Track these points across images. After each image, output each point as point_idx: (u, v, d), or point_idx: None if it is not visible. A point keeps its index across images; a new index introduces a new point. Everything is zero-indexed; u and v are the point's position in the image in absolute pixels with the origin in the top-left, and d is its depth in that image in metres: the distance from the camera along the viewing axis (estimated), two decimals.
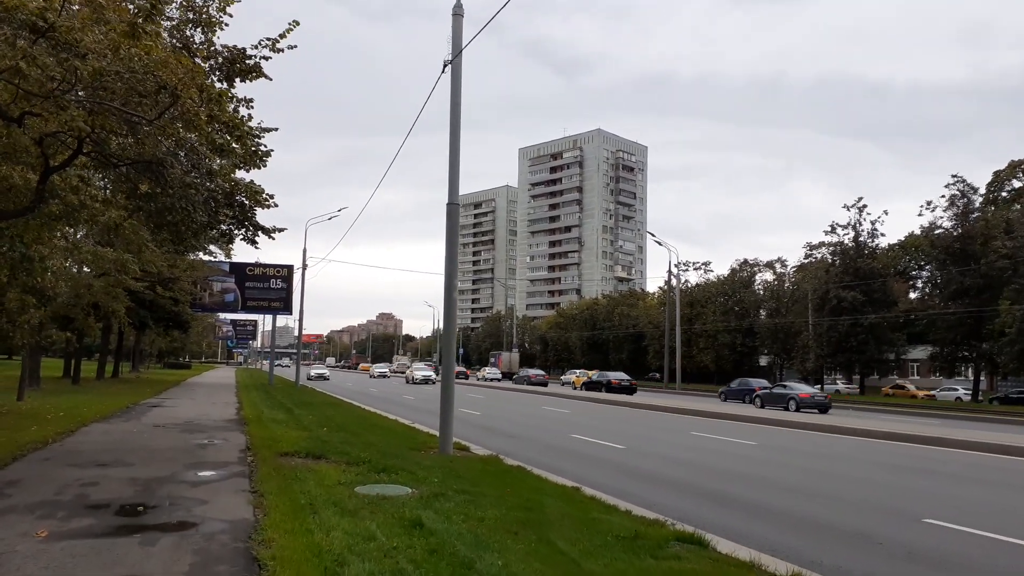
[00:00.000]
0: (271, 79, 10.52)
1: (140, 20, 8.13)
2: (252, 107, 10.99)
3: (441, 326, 16.06)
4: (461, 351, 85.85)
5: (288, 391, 32.39)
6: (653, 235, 57.03)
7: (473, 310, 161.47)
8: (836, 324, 50.83)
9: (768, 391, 34.59)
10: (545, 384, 53.45)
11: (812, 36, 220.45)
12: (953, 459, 14.80)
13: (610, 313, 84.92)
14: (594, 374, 52.34)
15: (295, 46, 10.16)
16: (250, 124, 10.94)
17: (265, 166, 11.58)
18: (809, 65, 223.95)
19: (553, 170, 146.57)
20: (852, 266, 52.23)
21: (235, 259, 34.53)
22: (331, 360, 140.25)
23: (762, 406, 32.63)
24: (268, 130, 11.70)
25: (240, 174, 12.53)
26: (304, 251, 41.80)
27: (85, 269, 23.64)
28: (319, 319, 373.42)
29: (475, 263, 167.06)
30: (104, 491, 8.00)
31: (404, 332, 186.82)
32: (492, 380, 60.42)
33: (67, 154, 10.37)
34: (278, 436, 13.10)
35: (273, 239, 14.08)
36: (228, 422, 16.79)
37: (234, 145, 10.71)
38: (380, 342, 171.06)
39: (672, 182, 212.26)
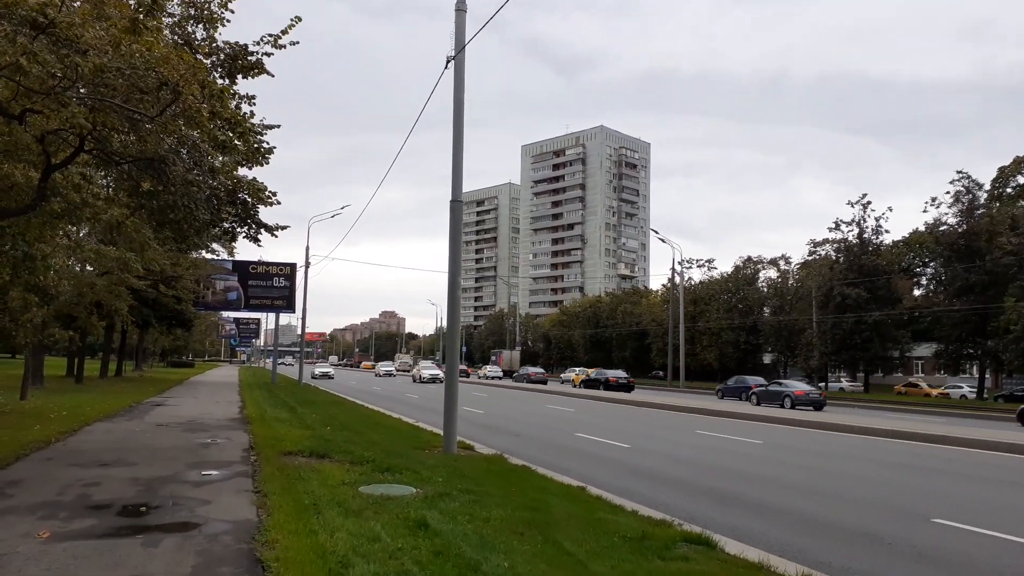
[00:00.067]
0: (273, 75, 10.47)
1: (141, 15, 8.08)
2: (254, 104, 10.94)
3: (444, 324, 15.99)
4: (464, 349, 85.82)
5: (291, 390, 32.39)
6: (656, 232, 56.65)
7: (476, 308, 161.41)
8: (840, 321, 50.66)
9: (764, 389, 35.10)
10: (545, 382, 54.16)
11: (813, 34, 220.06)
12: (959, 457, 14.71)
13: (613, 311, 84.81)
14: (593, 372, 52.58)
15: (297, 42, 10.11)
16: (252, 121, 10.88)
17: (268, 163, 11.53)
18: (810, 62, 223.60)
19: (556, 167, 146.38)
20: (856, 263, 52.04)
21: (238, 257, 34.53)
22: (333, 358, 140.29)
23: (758, 403, 33.05)
24: (270, 127, 11.65)
25: (242, 171, 12.50)
26: (307, 249, 41.81)
27: (88, 268, 23.62)
28: (322, 317, 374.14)
29: (478, 261, 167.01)
30: (106, 491, 7.95)
31: (407, 330, 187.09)
32: (493, 378, 60.59)
33: (69, 152, 10.31)
34: (281, 435, 13.05)
35: (276, 236, 14.05)
36: (231, 421, 16.76)
37: (236, 142, 10.65)
38: (383, 340, 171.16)
39: (674, 179, 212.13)
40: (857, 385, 58.75)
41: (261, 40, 9.99)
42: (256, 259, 38.76)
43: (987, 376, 51.04)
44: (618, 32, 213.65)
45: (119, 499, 7.55)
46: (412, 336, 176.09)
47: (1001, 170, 51.64)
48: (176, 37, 9.94)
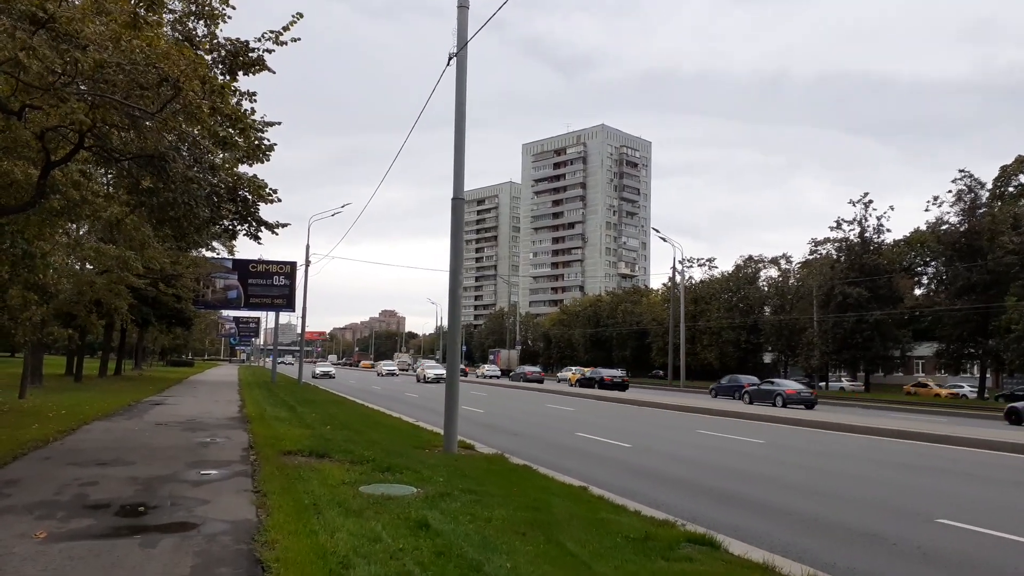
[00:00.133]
0: (274, 72, 10.41)
1: (141, 10, 8.02)
2: (255, 101, 10.90)
3: (445, 323, 15.92)
4: (464, 348, 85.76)
5: (291, 389, 32.35)
6: (657, 231, 56.53)
7: (476, 307, 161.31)
8: (841, 321, 50.62)
9: (756, 387, 35.47)
10: (541, 381, 54.65)
11: (813, 34, 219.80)
12: (961, 457, 14.66)
13: (613, 310, 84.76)
14: (588, 371, 52.75)
15: (299, 38, 10.05)
16: (253, 118, 10.83)
17: (268, 160, 11.50)
18: (810, 62, 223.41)
19: (556, 166, 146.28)
20: (857, 262, 52.00)
21: (238, 256, 34.47)
22: (333, 358, 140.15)
23: (750, 402, 33.41)
24: (270, 124, 11.62)
25: (243, 168, 12.45)
26: (307, 247, 41.92)
27: (87, 266, 23.56)
28: (322, 316, 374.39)
29: (478, 260, 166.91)
30: (104, 491, 7.89)
31: (407, 329, 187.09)
32: (491, 377, 60.74)
33: (68, 148, 10.26)
34: (281, 434, 12.99)
35: (276, 234, 14.00)
36: (230, 420, 16.70)
37: (237, 139, 10.61)
38: (383, 339, 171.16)
39: (675, 179, 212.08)
40: (858, 385, 58.67)
41: (262, 36, 9.94)
42: (256, 258, 38.79)
43: (988, 376, 50.94)
44: (618, 32, 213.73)
45: (117, 499, 7.49)
46: (412, 335, 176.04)
47: (1003, 169, 51.56)
48: (177, 34, 9.88)
